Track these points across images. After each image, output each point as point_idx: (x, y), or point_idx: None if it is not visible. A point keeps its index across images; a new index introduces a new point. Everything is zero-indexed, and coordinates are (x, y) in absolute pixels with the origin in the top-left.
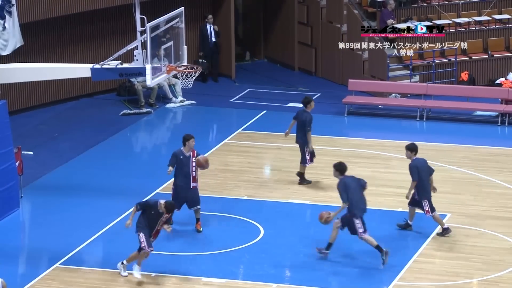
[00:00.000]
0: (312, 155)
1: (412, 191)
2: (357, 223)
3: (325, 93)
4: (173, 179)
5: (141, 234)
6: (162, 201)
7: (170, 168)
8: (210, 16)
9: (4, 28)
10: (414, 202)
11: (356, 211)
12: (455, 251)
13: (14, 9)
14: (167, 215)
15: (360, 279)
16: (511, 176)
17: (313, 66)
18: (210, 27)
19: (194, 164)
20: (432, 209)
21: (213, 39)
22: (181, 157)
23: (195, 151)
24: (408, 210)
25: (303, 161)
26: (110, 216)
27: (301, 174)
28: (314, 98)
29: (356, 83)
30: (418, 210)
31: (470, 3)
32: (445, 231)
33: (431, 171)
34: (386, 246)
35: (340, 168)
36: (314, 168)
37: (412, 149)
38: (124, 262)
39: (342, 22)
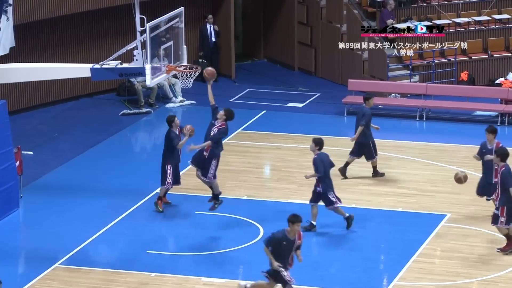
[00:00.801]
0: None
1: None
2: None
3: (325, 93)
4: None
5: (285, 273)
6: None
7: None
8: (210, 16)
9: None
10: (316, 198)
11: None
12: (455, 251)
13: (10, 10)
14: (299, 241)
15: (360, 279)
16: None
17: (313, 66)
18: (210, 27)
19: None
20: (339, 200)
21: (213, 39)
22: (177, 137)
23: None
24: (311, 210)
25: (371, 157)
26: (110, 216)
27: (374, 168)
28: (313, 98)
29: (356, 83)
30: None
31: (470, 3)
32: (350, 221)
33: (332, 165)
34: (386, 246)
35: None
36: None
37: (317, 143)
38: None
39: (342, 22)
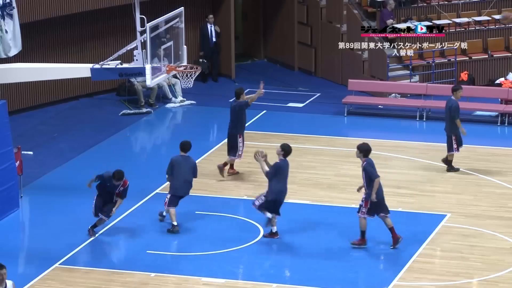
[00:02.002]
0: (459, 143)
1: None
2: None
3: (325, 93)
4: None
5: None
6: None
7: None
8: (211, 16)
9: (5, 31)
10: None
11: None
12: (455, 251)
13: (15, 12)
14: None
15: (360, 279)
16: (511, 176)
17: (313, 66)
18: (211, 26)
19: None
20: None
21: (214, 39)
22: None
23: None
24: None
25: (450, 149)
26: None
27: (449, 162)
28: (313, 98)
29: (356, 83)
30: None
31: (470, 3)
32: (173, 228)
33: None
34: (386, 246)
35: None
36: (313, 168)
37: (183, 145)
38: None
39: (342, 22)
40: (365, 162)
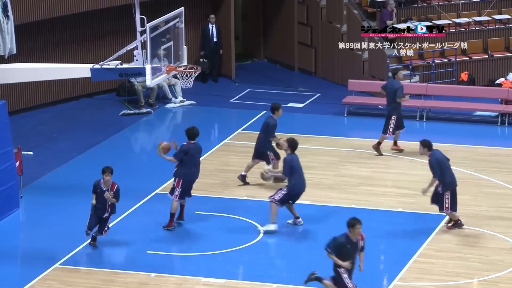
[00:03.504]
0: None
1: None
2: None
3: (325, 93)
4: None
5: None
6: None
7: None
8: (212, 16)
9: (7, 32)
10: None
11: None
12: (455, 251)
13: (11, 14)
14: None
15: (360, 279)
16: (511, 176)
17: (313, 66)
18: (212, 26)
19: None
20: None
21: (215, 39)
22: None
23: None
24: None
25: None
26: None
27: None
28: (314, 98)
29: (356, 83)
30: None
31: (470, 3)
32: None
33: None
34: (386, 246)
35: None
36: (314, 168)
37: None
38: None
39: (342, 22)
40: None
